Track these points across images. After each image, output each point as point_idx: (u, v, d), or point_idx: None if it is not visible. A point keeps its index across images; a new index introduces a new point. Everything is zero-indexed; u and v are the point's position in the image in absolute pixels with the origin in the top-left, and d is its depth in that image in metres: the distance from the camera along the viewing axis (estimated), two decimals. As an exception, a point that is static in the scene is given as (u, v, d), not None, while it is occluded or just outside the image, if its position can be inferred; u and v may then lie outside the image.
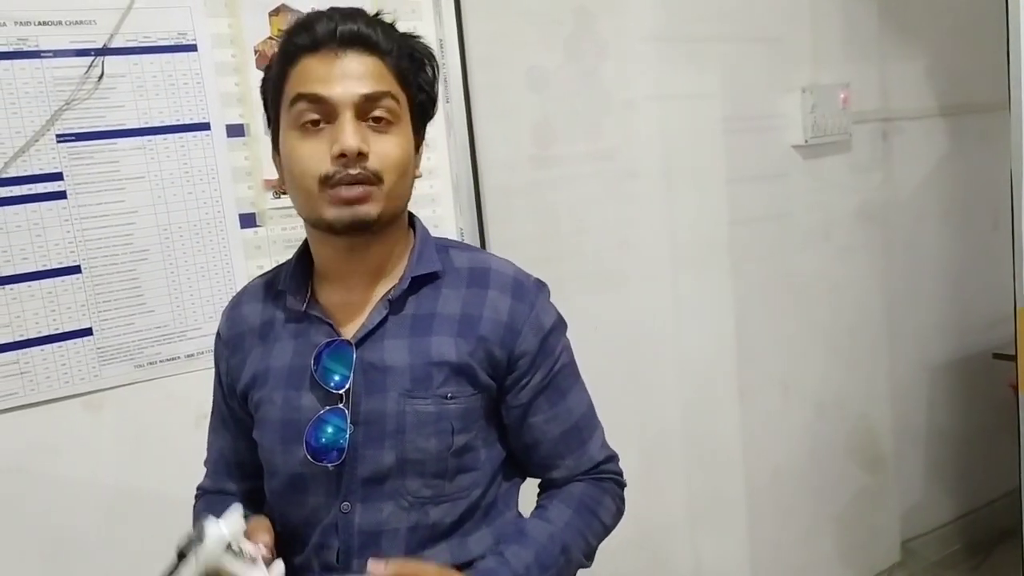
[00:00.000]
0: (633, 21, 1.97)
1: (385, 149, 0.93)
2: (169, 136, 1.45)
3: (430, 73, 1.01)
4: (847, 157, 2.36)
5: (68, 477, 1.41)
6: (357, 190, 0.91)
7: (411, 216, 1.06)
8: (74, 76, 1.37)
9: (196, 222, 1.49)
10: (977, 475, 2.78)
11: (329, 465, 0.95)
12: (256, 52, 1.51)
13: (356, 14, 0.96)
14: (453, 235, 1.72)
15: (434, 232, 1.65)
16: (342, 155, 0.90)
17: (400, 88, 0.96)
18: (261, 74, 1.49)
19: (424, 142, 1.04)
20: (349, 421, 0.95)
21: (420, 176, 1.03)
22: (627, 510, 1.10)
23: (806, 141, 2.23)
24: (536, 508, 1.06)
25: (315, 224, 0.97)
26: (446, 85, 1.69)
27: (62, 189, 1.38)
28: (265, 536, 0.94)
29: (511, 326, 0.99)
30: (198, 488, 1.15)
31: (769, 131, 2.23)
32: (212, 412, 1.13)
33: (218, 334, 1.10)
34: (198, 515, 1.10)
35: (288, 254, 1.55)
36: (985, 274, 2.60)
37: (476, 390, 0.99)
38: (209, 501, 1.11)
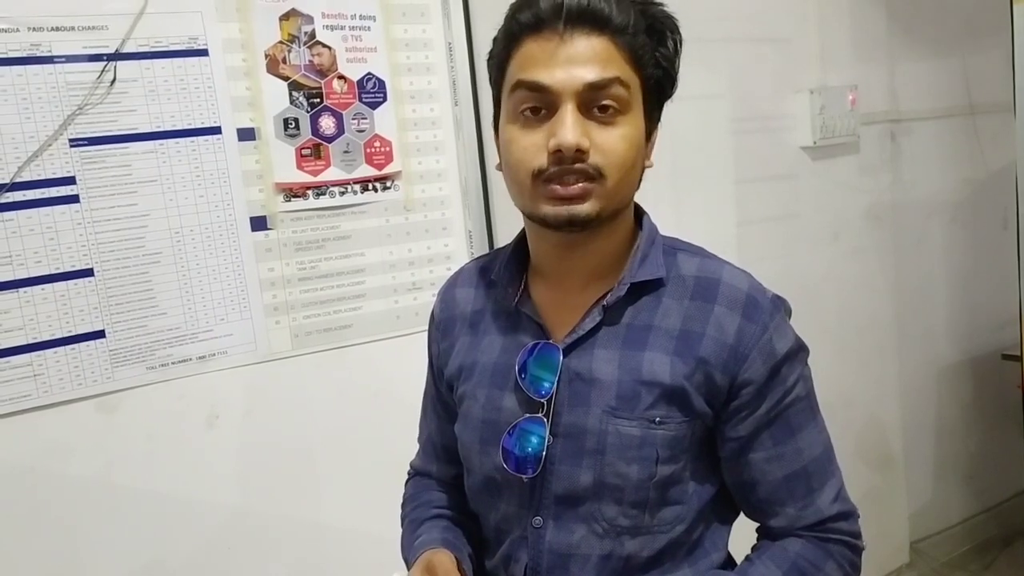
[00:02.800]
0: (641, 23, 1.98)
1: (609, 142, 0.83)
2: (181, 140, 1.46)
3: (671, 47, 0.89)
4: (856, 158, 2.36)
5: (81, 478, 1.42)
6: (575, 188, 0.83)
7: (640, 212, 0.97)
8: (87, 81, 1.38)
9: (207, 225, 1.49)
10: (986, 476, 2.78)
11: (524, 477, 0.90)
12: (267, 56, 1.52)
13: None
14: (462, 237, 1.72)
15: (441, 234, 1.70)
16: (558, 150, 0.82)
17: (633, 70, 0.85)
18: (273, 78, 1.53)
19: (659, 125, 0.93)
20: (548, 432, 0.89)
21: (652, 166, 0.93)
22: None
23: (814, 142, 2.23)
24: (743, 561, 0.94)
25: (530, 217, 0.90)
26: (455, 88, 1.69)
27: (75, 193, 1.39)
28: None
29: (737, 349, 0.87)
30: (410, 465, 1.15)
31: (778, 132, 2.23)
32: (425, 392, 1.11)
33: (432, 315, 1.06)
34: (407, 501, 1.11)
35: (300, 257, 1.58)
36: (994, 275, 2.59)
37: (688, 416, 0.88)
38: (416, 486, 1.11)
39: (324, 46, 1.57)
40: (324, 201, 1.59)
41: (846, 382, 2.41)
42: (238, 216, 1.52)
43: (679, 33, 0.90)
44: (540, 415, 0.89)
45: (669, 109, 2.23)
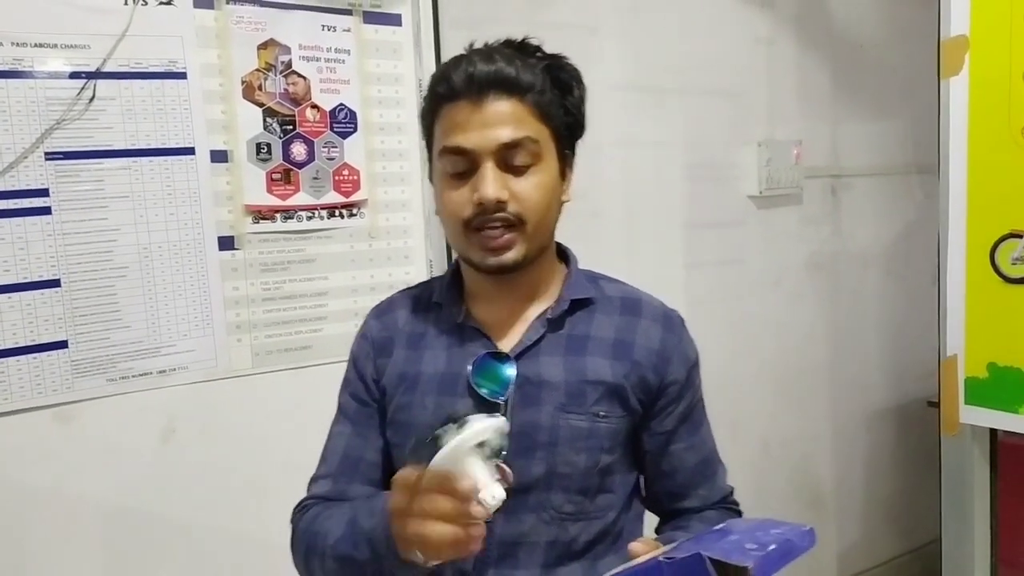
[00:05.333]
0: (603, 70, 2.08)
1: (525, 191, 0.96)
2: (155, 159, 1.50)
3: (577, 95, 1.02)
4: (798, 209, 2.49)
5: (35, 486, 1.43)
6: (501, 238, 0.96)
7: (562, 247, 1.10)
8: (66, 97, 1.42)
9: (176, 242, 1.53)
10: (912, 518, 2.90)
11: None
12: (243, 82, 1.57)
13: (494, 52, 0.98)
14: (423, 265, 1.79)
15: (403, 262, 1.76)
16: (481, 203, 0.94)
17: (542, 124, 0.98)
18: (248, 104, 1.59)
19: (574, 163, 1.05)
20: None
21: (568, 200, 1.05)
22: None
23: (760, 192, 2.35)
24: (669, 532, 1.06)
25: (465, 261, 1.02)
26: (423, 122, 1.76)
27: (47, 205, 1.42)
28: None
29: (663, 354, 1.04)
30: (309, 497, 1.09)
31: (726, 181, 2.34)
32: (337, 418, 1.12)
33: (363, 335, 1.12)
34: (313, 519, 1.03)
35: (264, 277, 1.63)
36: (923, 326, 2.73)
37: (625, 412, 1.02)
38: (327, 505, 1.04)
39: (299, 76, 1.63)
40: (291, 225, 1.64)
41: (782, 422, 2.51)
42: (206, 235, 1.56)
43: (583, 84, 1.04)
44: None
45: (624, 154, 2.33)
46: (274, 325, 1.63)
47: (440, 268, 1.80)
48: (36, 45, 1.40)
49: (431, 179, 1.05)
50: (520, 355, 1.01)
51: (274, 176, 1.61)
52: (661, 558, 0.77)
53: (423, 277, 1.79)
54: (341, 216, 1.69)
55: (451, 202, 0.98)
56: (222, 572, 1.60)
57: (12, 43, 1.38)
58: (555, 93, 1.00)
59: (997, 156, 1.56)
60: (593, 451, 0.99)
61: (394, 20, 1.74)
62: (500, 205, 0.95)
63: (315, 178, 1.65)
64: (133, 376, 1.51)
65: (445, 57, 1.79)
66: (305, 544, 1.03)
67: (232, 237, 1.58)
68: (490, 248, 0.96)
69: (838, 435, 2.68)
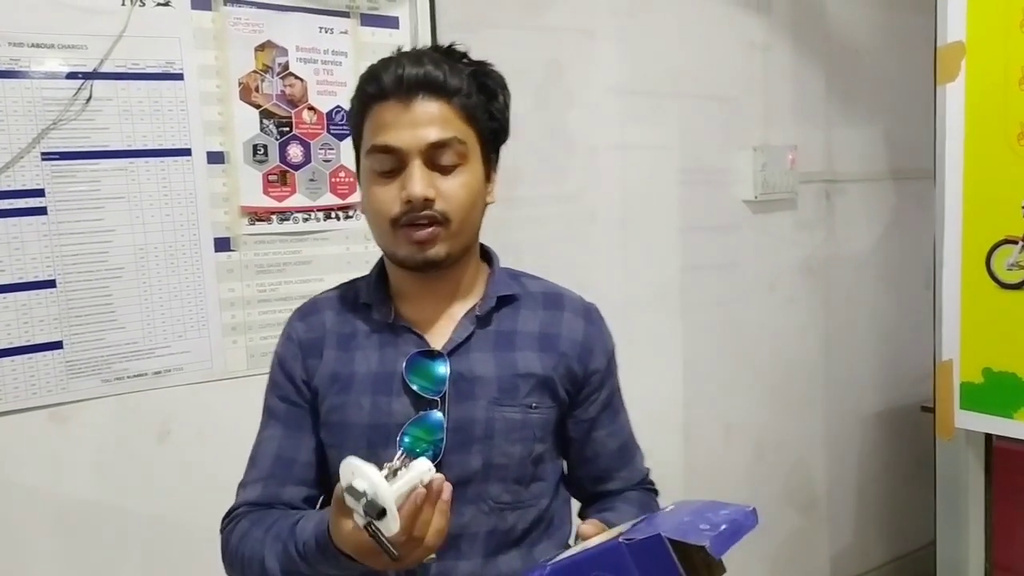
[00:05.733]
0: (599, 74, 2.08)
1: (451, 190, 0.99)
2: (151, 159, 1.50)
3: (502, 101, 1.06)
4: (793, 214, 2.50)
5: (30, 487, 1.43)
6: (426, 232, 0.98)
7: (484, 247, 1.13)
8: (63, 98, 1.41)
9: (172, 243, 1.53)
10: (904, 522, 2.91)
11: None
12: (240, 84, 1.57)
13: (423, 56, 1.01)
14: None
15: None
16: (409, 200, 0.97)
17: (468, 126, 1.01)
18: (245, 105, 1.59)
19: (497, 167, 1.09)
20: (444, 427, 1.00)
21: (494, 202, 1.08)
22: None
23: (756, 197, 2.35)
24: (597, 513, 1.09)
25: (391, 258, 1.04)
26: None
27: (43, 205, 1.41)
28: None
29: (586, 345, 1.09)
30: (241, 504, 1.08)
31: (722, 185, 2.35)
32: (266, 423, 1.11)
33: (289, 337, 1.12)
34: (250, 528, 1.03)
35: (260, 279, 1.62)
36: (916, 331, 2.74)
37: (554, 403, 1.07)
38: (261, 513, 1.04)
39: (296, 78, 1.63)
40: (287, 226, 1.64)
41: (776, 425, 2.52)
42: (202, 236, 1.56)
43: (507, 89, 1.07)
44: (436, 411, 1.01)
45: (620, 158, 2.33)
46: (270, 327, 1.63)
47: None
48: (33, 45, 1.39)
49: (358, 178, 1.07)
50: (452, 352, 1.03)
51: (270, 178, 1.61)
52: (620, 540, 0.82)
53: (419, 279, 1.79)
54: (337, 218, 1.69)
55: (378, 200, 1.00)
56: (216, 573, 1.60)
57: (9, 43, 1.37)
58: (481, 98, 1.03)
59: (993, 162, 1.57)
60: (527, 441, 1.04)
61: (391, 23, 1.74)
62: (428, 203, 0.97)
63: (311, 180, 1.65)
64: (128, 377, 1.50)
65: (442, 60, 1.80)
66: (240, 566, 1.04)
67: (228, 238, 1.58)
68: (416, 242, 0.98)
69: (832, 439, 2.69)
